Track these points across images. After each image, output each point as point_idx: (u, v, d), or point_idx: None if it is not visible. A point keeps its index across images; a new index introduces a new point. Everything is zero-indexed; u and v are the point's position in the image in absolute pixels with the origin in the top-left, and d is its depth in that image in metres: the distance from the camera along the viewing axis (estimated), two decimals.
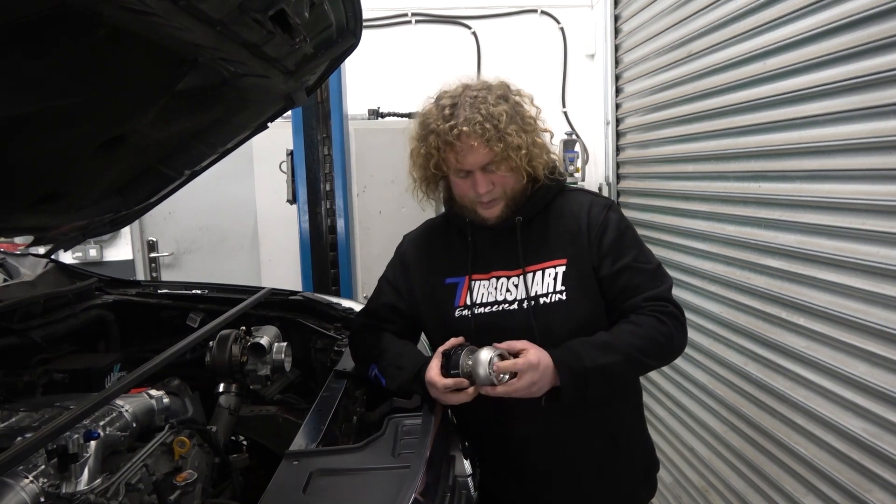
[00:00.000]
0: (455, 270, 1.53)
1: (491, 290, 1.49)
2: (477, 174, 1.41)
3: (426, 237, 1.63)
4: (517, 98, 1.46)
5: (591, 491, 1.55)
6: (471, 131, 1.35)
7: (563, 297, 1.43)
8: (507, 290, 1.47)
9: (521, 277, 1.46)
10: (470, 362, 1.34)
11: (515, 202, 1.48)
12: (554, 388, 1.35)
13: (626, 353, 1.38)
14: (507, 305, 1.46)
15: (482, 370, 1.31)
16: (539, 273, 1.46)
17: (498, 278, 1.49)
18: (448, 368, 1.37)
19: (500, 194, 1.45)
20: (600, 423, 1.51)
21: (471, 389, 1.35)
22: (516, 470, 1.55)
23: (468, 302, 1.49)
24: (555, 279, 1.45)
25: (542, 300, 1.44)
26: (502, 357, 1.32)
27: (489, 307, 1.48)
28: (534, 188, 1.50)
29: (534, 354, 1.32)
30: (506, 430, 1.49)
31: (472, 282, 1.50)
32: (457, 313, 1.50)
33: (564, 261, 1.46)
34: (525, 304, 1.45)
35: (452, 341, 1.42)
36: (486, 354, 1.32)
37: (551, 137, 1.55)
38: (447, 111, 1.40)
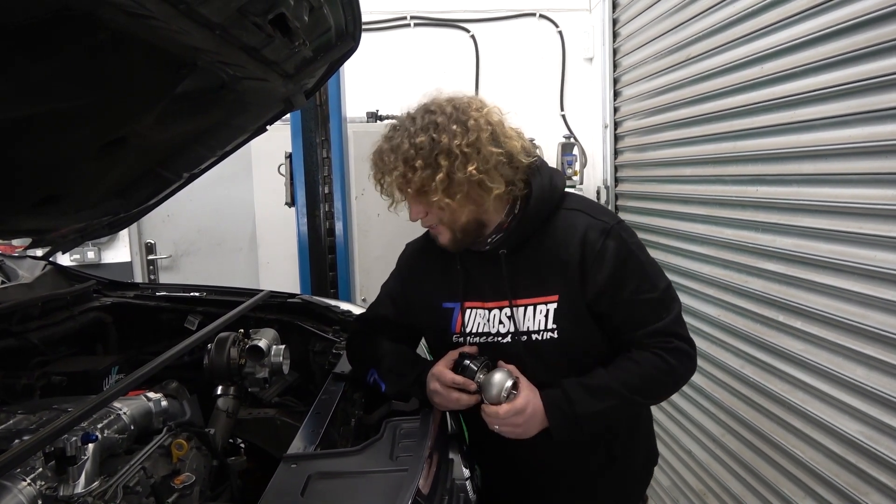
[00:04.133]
0: (450, 295, 1.48)
1: (484, 322, 1.44)
2: (410, 201, 1.37)
3: (424, 254, 1.56)
4: (459, 122, 1.31)
5: (585, 500, 1.56)
6: (374, 162, 1.36)
7: (556, 336, 1.38)
8: (501, 322, 1.43)
9: (512, 311, 1.41)
10: (482, 377, 1.35)
11: (467, 233, 1.38)
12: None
13: (622, 396, 1.34)
14: (500, 338, 1.43)
15: (495, 391, 1.32)
16: (531, 308, 1.39)
17: (490, 310, 1.44)
18: (460, 374, 1.38)
19: (437, 222, 1.37)
20: (592, 442, 1.48)
21: (473, 397, 1.36)
22: (514, 472, 1.56)
23: (462, 330, 1.46)
24: (546, 316, 1.38)
25: (534, 336, 1.39)
26: (515, 386, 1.33)
27: (482, 338, 1.45)
28: (518, 214, 1.39)
29: (521, 399, 1.32)
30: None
31: (466, 310, 1.46)
32: (454, 339, 1.48)
33: (556, 297, 1.38)
34: (517, 338, 1.41)
35: (468, 349, 1.42)
36: (501, 378, 1.33)
37: (519, 153, 1.37)
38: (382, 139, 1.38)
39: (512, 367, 1.37)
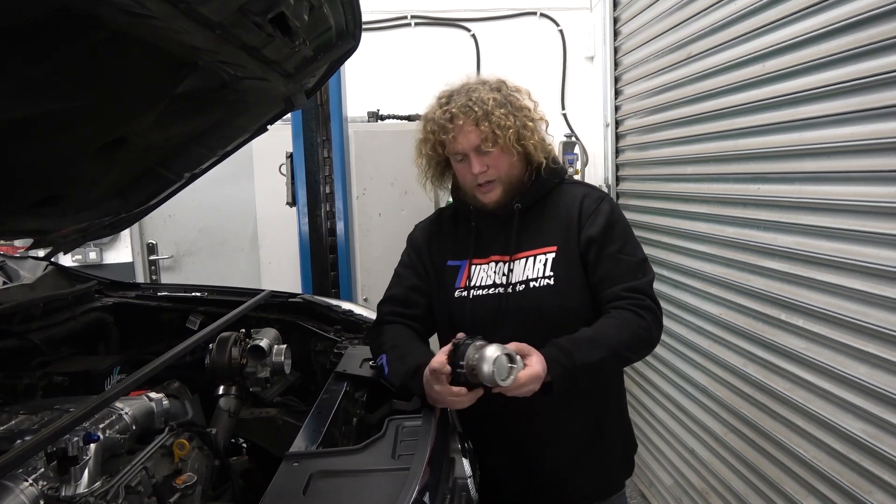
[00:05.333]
0: (458, 254, 1.63)
1: (490, 274, 1.58)
2: (472, 156, 1.52)
3: (435, 223, 1.74)
4: (513, 92, 1.57)
5: (572, 474, 1.60)
6: (458, 113, 1.50)
7: (552, 283, 1.52)
8: (504, 274, 1.56)
9: (510, 262, 1.55)
10: (476, 356, 1.34)
11: (513, 187, 1.57)
12: (544, 382, 1.37)
13: (612, 349, 1.45)
14: (501, 289, 1.55)
15: (486, 367, 1.30)
16: (531, 259, 1.56)
17: (496, 262, 1.59)
18: (455, 359, 1.36)
19: (496, 177, 1.54)
20: (583, 409, 1.57)
21: (469, 395, 1.36)
22: (504, 443, 1.60)
23: (467, 284, 1.58)
24: (545, 265, 1.54)
25: (531, 284, 1.54)
26: (510, 357, 1.32)
27: (485, 290, 1.57)
28: (534, 177, 1.60)
29: (538, 363, 1.34)
30: (491, 403, 1.46)
31: (472, 266, 1.60)
32: (456, 294, 1.60)
33: (555, 248, 1.55)
34: (518, 288, 1.53)
35: (460, 335, 1.42)
36: (492, 352, 1.31)
37: (546, 127, 1.61)
38: (443, 100, 1.56)
39: (516, 346, 1.36)
